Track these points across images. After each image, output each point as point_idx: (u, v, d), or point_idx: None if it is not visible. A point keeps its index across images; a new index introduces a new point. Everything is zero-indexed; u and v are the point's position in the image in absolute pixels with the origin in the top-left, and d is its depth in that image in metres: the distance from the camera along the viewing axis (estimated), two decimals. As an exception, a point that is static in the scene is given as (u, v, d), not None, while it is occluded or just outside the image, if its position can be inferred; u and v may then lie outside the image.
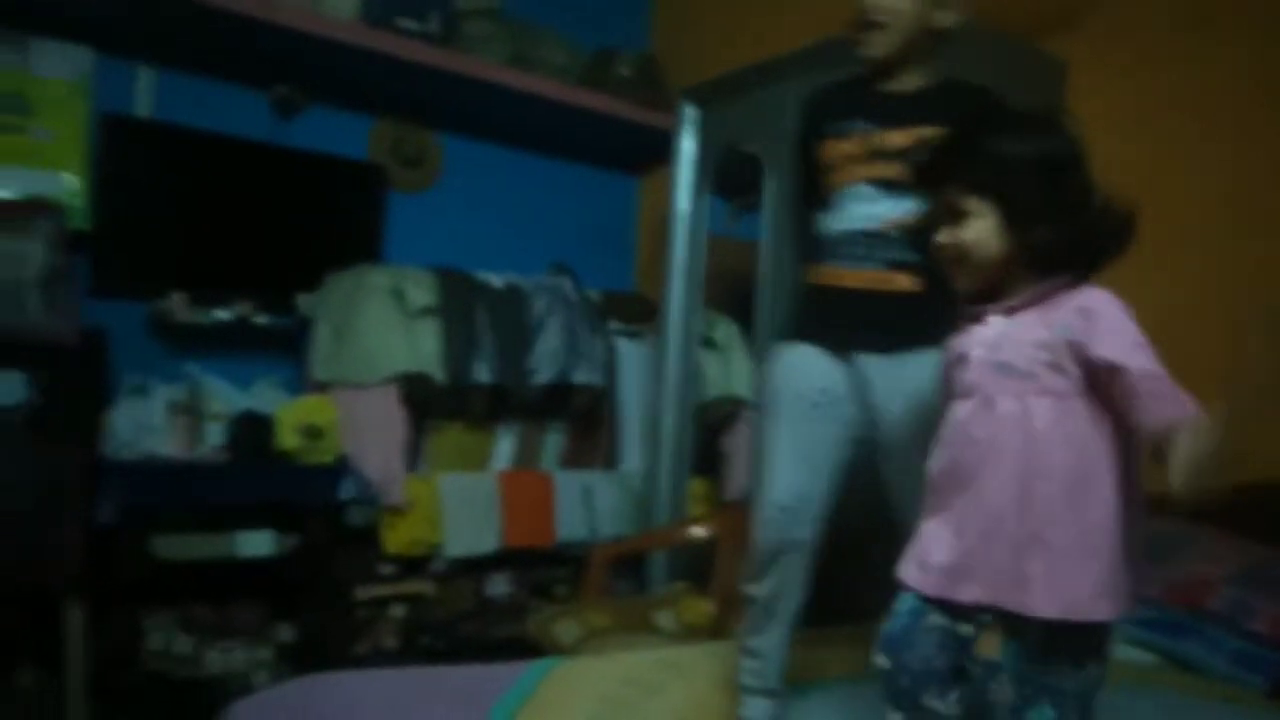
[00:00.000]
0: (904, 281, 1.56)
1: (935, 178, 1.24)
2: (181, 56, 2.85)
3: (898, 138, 1.58)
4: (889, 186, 1.57)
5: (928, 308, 1.42)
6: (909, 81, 1.65)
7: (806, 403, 1.63)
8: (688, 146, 3.09)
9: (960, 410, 1.21)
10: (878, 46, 1.63)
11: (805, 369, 1.65)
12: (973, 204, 1.19)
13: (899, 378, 1.56)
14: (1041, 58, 2.65)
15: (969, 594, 1.13)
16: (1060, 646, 1.09)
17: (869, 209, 1.60)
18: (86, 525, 2.37)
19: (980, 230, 1.19)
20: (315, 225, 3.11)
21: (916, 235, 1.50)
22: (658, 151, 3.33)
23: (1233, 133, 2.33)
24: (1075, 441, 1.11)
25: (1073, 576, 1.08)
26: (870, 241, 1.60)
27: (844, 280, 1.62)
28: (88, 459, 2.43)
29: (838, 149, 1.65)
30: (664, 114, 3.26)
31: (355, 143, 3.25)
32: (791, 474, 1.63)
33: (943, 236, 1.23)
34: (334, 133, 3.16)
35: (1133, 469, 1.14)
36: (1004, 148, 1.18)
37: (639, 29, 3.88)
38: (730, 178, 3.08)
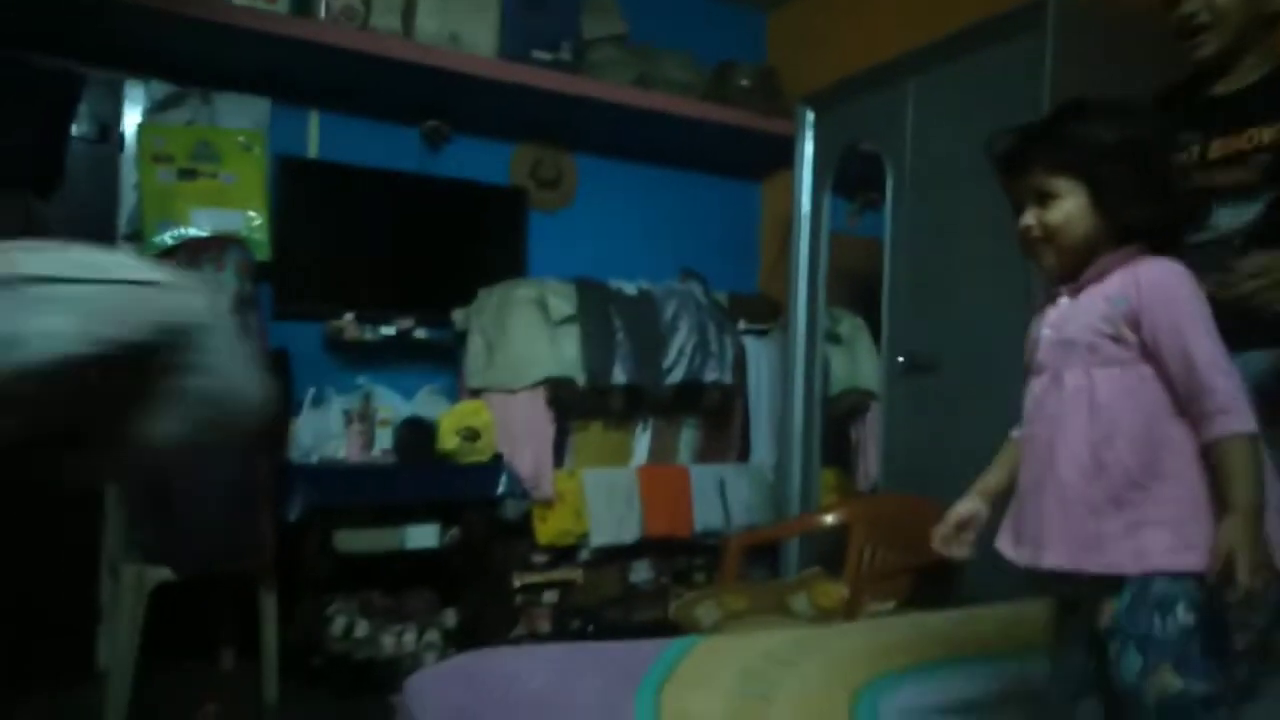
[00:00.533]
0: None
1: (1020, 163, 1.27)
2: (343, 100, 3.15)
3: (1229, 144, 1.55)
4: (1231, 195, 1.55)
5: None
6: (1245, 76, 1.59)
7: None
8: (808, 150, 3.19)
9: (1035, 387, 1.27)
10: (1208, 45, 1.58)
11: None
12: (1061, 185, 1.23)
13: None
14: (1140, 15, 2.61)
15: (1051, 559, 1.20)
16: (1146, 599, 1.14)
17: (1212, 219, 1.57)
18: (277, 522, 2.66)
19: (1069, 211, 1.23)
20: (465, 246, 3.37)
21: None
22: (779, 157, 3.43)
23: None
24: (1145, 407, 1.15)
25: (1147, 534, 1.13)
26: (1211, 250, 1.54)
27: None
28: (277, 463, 2.72)
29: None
30: (783, 120, 3.36)
31: (498, 168, 3.50)
32: None
33: (1028, 218, 1.26)
34: (478, 160, 3.41)
35: None
36: (1096, 130, 1.22)
37: (756, 43, 4.00)
38: (851, 177, 3.16)
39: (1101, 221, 1.22)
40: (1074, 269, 1.25)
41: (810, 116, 3.20)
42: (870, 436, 3.26)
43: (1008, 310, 2.43)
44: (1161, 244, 1.22)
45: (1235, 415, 1.10)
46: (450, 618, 3.04)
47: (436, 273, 3.32)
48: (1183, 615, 1.12)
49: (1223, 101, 1.61)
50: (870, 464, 3.19)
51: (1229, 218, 1.55)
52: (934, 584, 2.49)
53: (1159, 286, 1.17)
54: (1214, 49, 1.58)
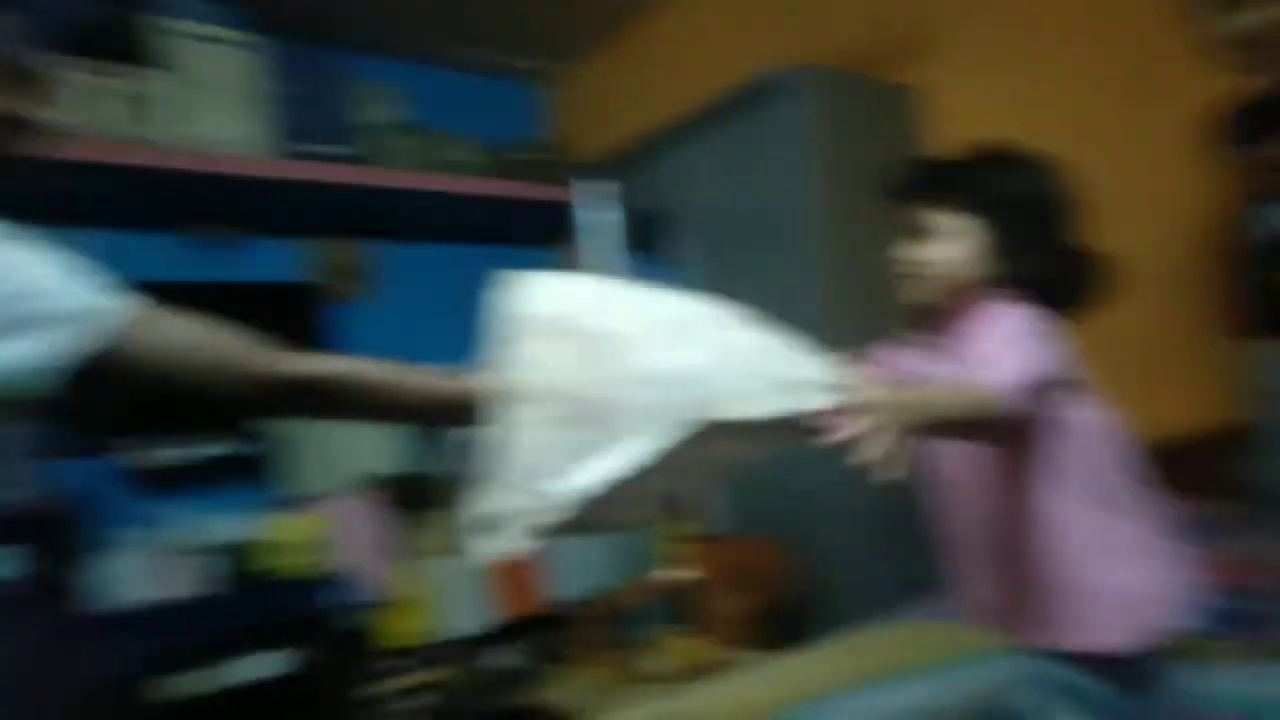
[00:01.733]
0: None
1: (908, 194, 1.25)
2: (106, 215, 2.88)
3: None
4: None
5: None
6: None
7: None
8: (584, 216, 3.25)
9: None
10: None
11: None
12: (954, 224, 1.20)
13: None
14: (888, 89, 2.87)
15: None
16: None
17: None
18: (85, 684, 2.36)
19: (958, 250, 1.21)
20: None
21: None
22: (568, 224, 3.46)
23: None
24: (1001, 486, 1.17)
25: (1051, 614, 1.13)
26: None
27: None
28: (77, 619, 2.42)
29: None
30: (565, 189, 3.39)
31: (288, 266, 3.31)
32: None
33: (904, 250, 1.25)
34: (269, 261, 3.22)
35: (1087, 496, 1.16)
36: (1009, 178, 1.21)
37: (534, 119, 4.05)
38: (642, 236, 3.23)
39: (993, 267, 1.20)
40: (934, 310, 1.24)
41: (584, 185, 3.27)
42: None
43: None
44: (1049, 299, 1.21)
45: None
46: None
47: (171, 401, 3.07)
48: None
49: None
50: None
51: None
52: (789, 624, 2.55)
53: (995, 325, 1.13)
54: None
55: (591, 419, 1.00)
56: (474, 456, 1.13)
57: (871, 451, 0.93)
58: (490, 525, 1.08)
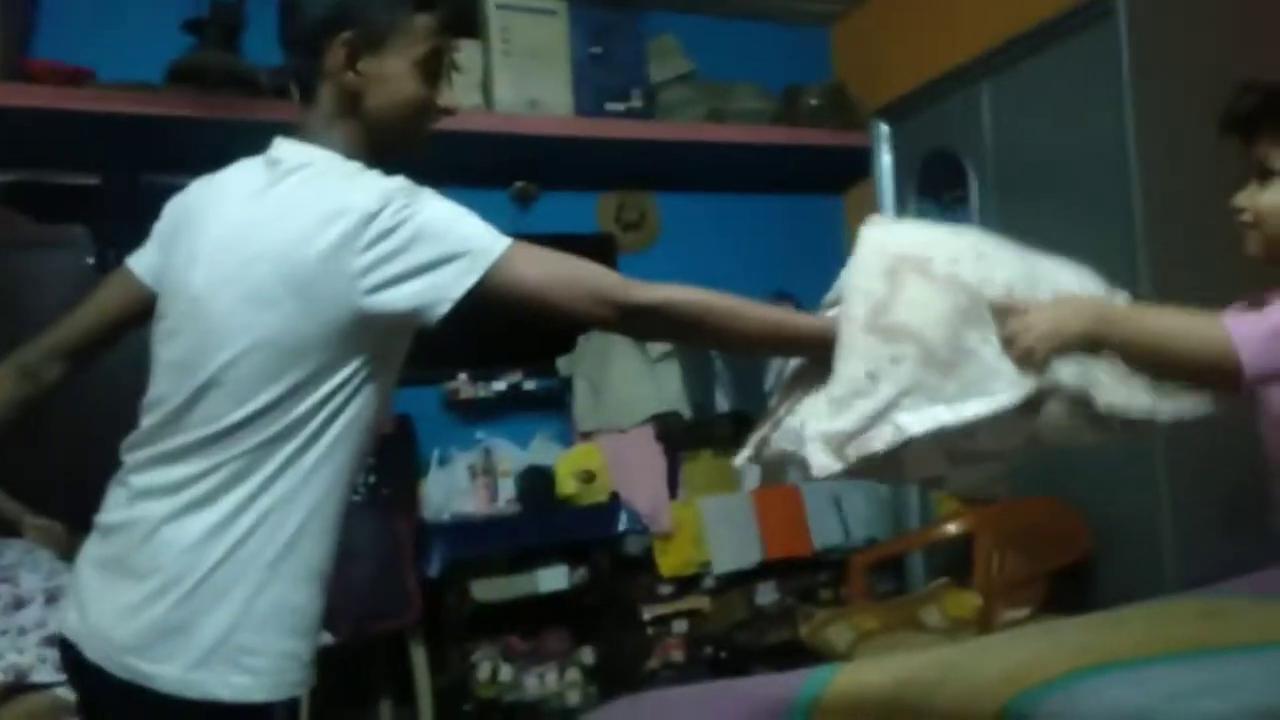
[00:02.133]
0: None
1: (1250, 127, 1.07)
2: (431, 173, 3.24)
3: None
4: None
5: None
6: None
7: None
8: (885, 161, 3.16)
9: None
10: None
11: None
12: None
13: None
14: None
15: None
16: None
17: None
18: (420, 579, 2.75)
19: None
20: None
21: None
22: (856, 169, 3.40)
23: None
24: None
25: None
26: None
27: None
28: (414, 523, 2.82)
29: None
30: (858, 133, 3.32)
31: (584, 218, 3.55)
32: None
33: (1240, 197, 1.08)
34: (565, 213, 3.46)
35: None
36: None
37: (823, 64, 3.98)
38: (935, 180, 3.10)
39: None
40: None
41: (884, 129, 3.17)
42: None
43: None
44: None
45: None
46: (587, 655, 3.09)
47: (538, 324, 3.37)
48: None
49: None
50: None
51: None
52: (1070, 588, 2.41)
53: None
54: None
55: (941, 364, 1.00)
56: (784, 391, 1.18)
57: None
58: (782, 456, 1.14)
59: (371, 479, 2.72)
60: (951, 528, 2.70)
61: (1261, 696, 1.02)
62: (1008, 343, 0.98)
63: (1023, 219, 2.69)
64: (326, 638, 2.57)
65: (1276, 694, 1.02)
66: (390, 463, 2.79)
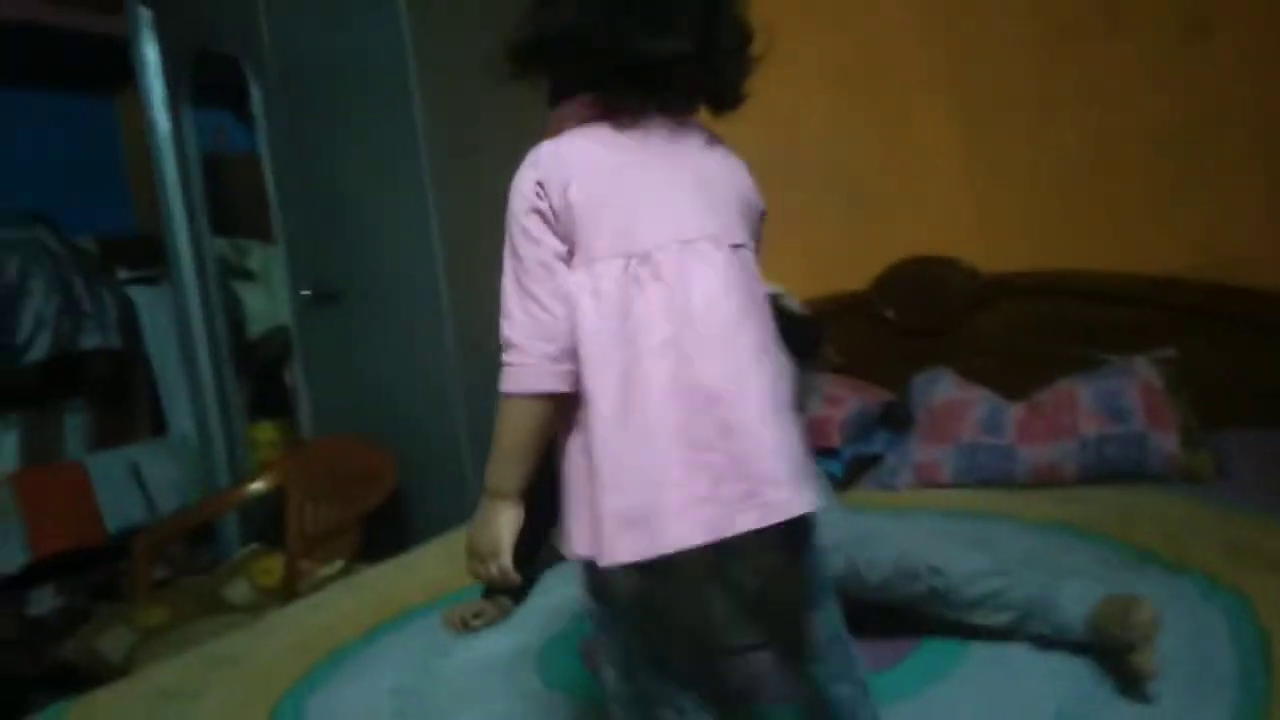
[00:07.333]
0: None
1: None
2: None
3: None
4: None
5: None
6: None
7: None
8: (150, 56, 2.51)
9: None
10: None
11: None
12: None
13: None
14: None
15: None
16: None
17: None
18: None
19: None
20: None
21: None
22: (128, 66, 2.67)
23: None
24: None
25: None
26: None
27: None
28: None
29: None
30: (116, 17, 2.60)
31: None
32: None
33: None
34: None
35: None
36: None
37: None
38: (211, 87, 2.56)
39: None
40: None
41: (147, 15, 2.50)
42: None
43: (411, 230, 2.12)
44: None
45: None
46: None
47: None
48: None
49: None
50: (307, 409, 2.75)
51: None
52: (383, 530, 2.17)
53: None
54: None
55: None
56: None
57: None
58: None
59: None
60: (258, 485, 2.28)
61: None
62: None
63: (311, 129, 2.31)
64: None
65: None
66: None
